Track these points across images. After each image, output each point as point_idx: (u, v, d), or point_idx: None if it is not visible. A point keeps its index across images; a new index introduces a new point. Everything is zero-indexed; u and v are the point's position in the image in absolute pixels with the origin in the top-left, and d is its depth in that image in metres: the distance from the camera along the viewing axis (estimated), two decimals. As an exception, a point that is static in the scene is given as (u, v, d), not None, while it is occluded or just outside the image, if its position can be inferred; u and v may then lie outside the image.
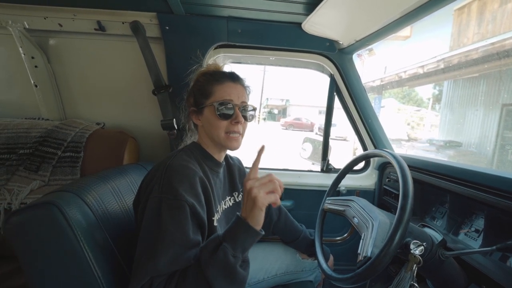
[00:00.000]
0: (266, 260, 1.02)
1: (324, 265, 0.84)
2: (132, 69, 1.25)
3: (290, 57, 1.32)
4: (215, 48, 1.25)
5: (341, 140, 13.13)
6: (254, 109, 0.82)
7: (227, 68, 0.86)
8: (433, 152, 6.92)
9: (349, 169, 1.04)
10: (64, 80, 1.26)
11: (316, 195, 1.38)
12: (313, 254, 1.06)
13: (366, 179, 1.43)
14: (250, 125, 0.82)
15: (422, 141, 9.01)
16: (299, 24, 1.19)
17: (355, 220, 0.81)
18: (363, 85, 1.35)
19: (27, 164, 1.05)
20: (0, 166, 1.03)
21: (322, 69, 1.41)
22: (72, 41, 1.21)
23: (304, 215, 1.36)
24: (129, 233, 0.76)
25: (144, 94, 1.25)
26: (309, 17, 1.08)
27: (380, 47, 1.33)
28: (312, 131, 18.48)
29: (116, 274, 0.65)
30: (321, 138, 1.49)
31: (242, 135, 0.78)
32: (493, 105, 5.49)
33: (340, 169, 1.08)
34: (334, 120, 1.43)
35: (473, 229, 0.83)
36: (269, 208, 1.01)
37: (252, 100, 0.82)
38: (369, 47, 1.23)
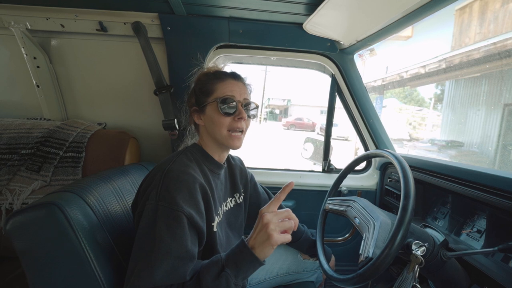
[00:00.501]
0: (267, 260, 1.01)
1: (325, 266, 0.84)
2: (134, 70, 1.25)
3: (292, 57, 1.32)
4: (216, 49, 1.25)
5: (343, 140, 13.13)
6: (257, 107, 0.81)
7: (228, 68, 0.86)
8: (434, 152, 6.90)
9: (350, 169, 1.04)
10: (66, 80, 1.26)
11: (317, 195, 1.38)
12: (314, 255, 1.05)
13: (368, 179, 1.43)
14: (251, 125, 0.82)
15: (423, 141, 8.99)
16: (300, 24, 1.19)
17: (357, 220, 0.80)
18: (365, 85, 1.35)
19: (29, 164, 1.05)
20: (2, 166, 1.03)
21: (323, 69, 1.41)
22: (74, 41, 1.22)
23: (306, 215, 1.36)
24: (130, 233, 0.76)
25: (146, 95, 1.25)
26: (310, 17, 1.08)
27: (382, 47, 1.33)
28: (313, 131, 18.48)
29: (117, 274, 0.65)
30: (322, 138, 1.49)
31: (244, 133, 0.78)
32: (495, 105, 5.47)
33: (341, 169, 1.08)
34: (335, 120, 1.43)
35: (475, 229, 0.82)
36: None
37: (254, 100, 0.82)
38: (370, 47, 1.23)
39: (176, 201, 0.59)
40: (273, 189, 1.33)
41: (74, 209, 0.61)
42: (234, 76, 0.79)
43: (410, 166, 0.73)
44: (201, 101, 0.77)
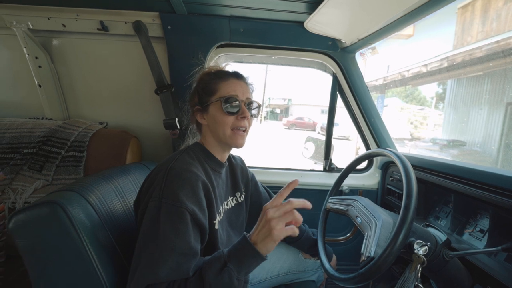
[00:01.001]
0: (268, 260, 1.01)
1: (326, 265, 0.83)
2: (135, 69, 1.25)
3: (293, 56, 1.31)
4: (217, 48, 1.25)
5: (344, 139, 13.10)
6: (259, 106, 0.82)
7: (230, 68, 0.86)
8: (436, 152, 6.87)
9: (351, 168, 1.03)
10: (67, 80, 1.27)
11: (318, 194, 1.37)
12: (315, 254, 1.05)
13: (369, 179, 1.42)
14: (252, 124, 0.82)
15: (425, 140, 8.96)
16: (302, 23, 1.18)
17: (358, 219, 0.80)
18: (366, 84, 1.34)
19: (31, 163, 1.05)
20: (4, 166, 1.04)
21: (324, 68, 1.41)
22: (75, 41, 1.22)
23: (307, 214, 1.34)
24: (131, 232, 0.76)
25: (147, 94, 1.25)
26: (311, 16, 1.08)
27: (383, 46, 1.32)
28: (314, 130, 18.45)
29: (118, 273, 0.65)
30: (323, 138, 1.48)
31: (247, 131, 0.79)
32: (497, 104, 5.43)
33: (342, 168, 1.07)
34: (336, 119, 1.42)
35: (477, 229, 0.82)
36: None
37: (255, 99, 0.82)
38: (372, 45, 1.23)
39: (179, 198, 0.59)
40: (274, 188, 1.33)
41: (76, 208, 0.61)
42: (237, 75, 0.80)
43: (412, 165, 0.73)
44: (204, 101, 0.77)
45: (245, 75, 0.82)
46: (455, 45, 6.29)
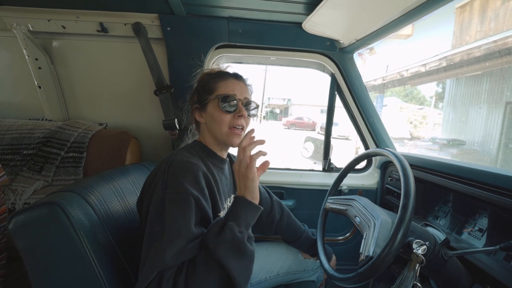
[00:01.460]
0: (268, 260, 1.02)
1: (326, 265, 0.84)
2: (134, 70, 1.26)
3: (291, 57, 1.32)
4: (216, 49, 1.25)
5: (343, 139, 13.10)
6: (257, 106, 0.83)
7: (230, 69, 0.87)
8: (436, 151, 6.88)
9: (350, 168, 1.04)
10: (67, 81, 1.27)
11: (318, 194, 1.37)
12: (315, 254, 1.05)
13: (368, 178, 1.43)
14: (251, 124, 0.83)
15: (424, 139, 8.96)
16: (300, 24, 1.19)
17: (357, 219, 0.80)
18: (365, 84, 1.35)
19: (31, 164, 1.06)
20: (4, 167, 1.04)
21: (323, 69, 1.41)
22: (75, 42, 1.22)
23: (306, 214, 1.36)
24: (131, 232, 0.76)
25: (146, 95, 1.26)
26: (309, 16, 1.08)
27: (382, 46, 1.32)
28: (314, 130, 18.45)
29: (118, 274, 0.65)
30: (322, 137, 1.49)
31: (244, 131, 0.79)
32: (496, 103, 5.44)
33: (341, 168, 1.08)
34: (336, 119, 1.42)
35: (476, 228, 0.82)
36: (271, 207, 1.01)
37: (254, 99, 0.83)
38: (370, 46, 1.23)
39: (183, 185, 0.60)
40: (274, 188, 1.34)
41: (75, 209, 0.61)
42: (236, 76, 0.82)
43: (411, 165, 0.73)
44: (202, 99, 0.78)
45: (244, 76, 0.83)
46: (453, 44, 6.30)
